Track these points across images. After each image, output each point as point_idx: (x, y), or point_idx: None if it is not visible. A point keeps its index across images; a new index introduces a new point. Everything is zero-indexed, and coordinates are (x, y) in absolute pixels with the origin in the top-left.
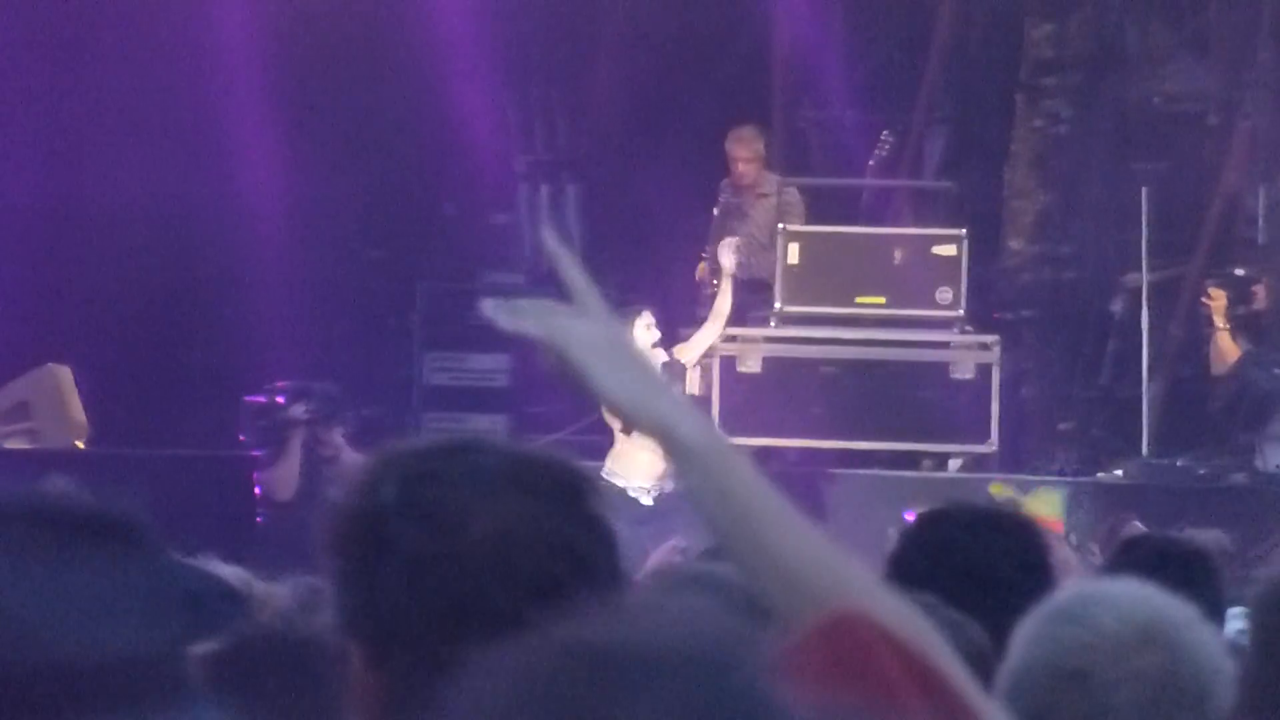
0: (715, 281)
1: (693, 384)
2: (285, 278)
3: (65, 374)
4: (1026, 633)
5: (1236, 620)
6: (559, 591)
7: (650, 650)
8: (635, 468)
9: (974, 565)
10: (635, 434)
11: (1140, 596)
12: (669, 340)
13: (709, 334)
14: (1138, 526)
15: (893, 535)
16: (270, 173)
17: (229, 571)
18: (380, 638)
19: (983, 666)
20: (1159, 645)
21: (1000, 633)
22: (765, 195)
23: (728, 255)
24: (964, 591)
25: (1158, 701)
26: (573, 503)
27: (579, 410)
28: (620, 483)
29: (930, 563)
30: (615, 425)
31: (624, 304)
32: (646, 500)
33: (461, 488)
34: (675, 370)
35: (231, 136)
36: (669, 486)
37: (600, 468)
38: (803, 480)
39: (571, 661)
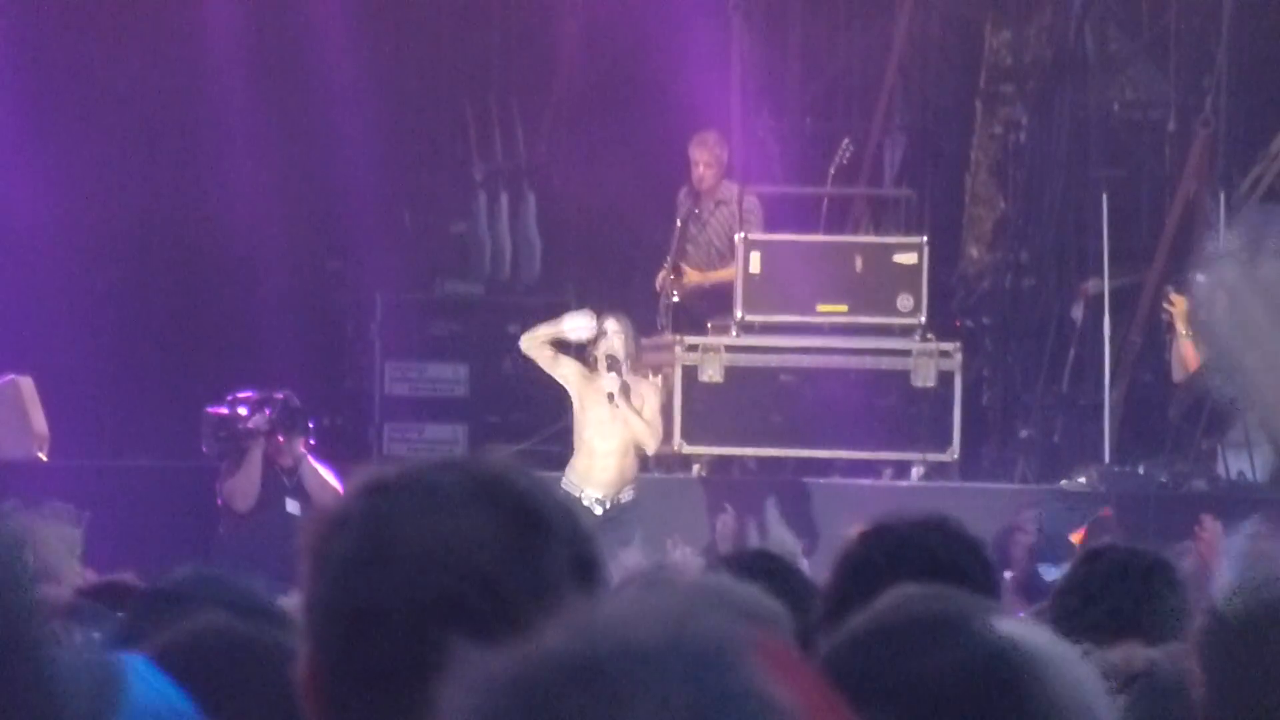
0: (675, 292)
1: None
2: (245, 289)
3: (27, 385)
4: None
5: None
6: (463, 613)
7: (643, 653)
8: (591, 478)
9: (932, 560)
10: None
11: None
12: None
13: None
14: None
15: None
16: (229, 186)
17: None
18: (309, 641)
19: None
20: None
21: None
22: (724, 203)
23: None
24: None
25: None
26: (517, 535)
27: (537, 420)
28: (575, 493)
29: (888, 559)
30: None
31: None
32: (598, 510)
33: (403, 501)
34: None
35: (190, 150)
36: (626, 497)
37: (559, 478)
38: (763, 489)
39: (564, 672)
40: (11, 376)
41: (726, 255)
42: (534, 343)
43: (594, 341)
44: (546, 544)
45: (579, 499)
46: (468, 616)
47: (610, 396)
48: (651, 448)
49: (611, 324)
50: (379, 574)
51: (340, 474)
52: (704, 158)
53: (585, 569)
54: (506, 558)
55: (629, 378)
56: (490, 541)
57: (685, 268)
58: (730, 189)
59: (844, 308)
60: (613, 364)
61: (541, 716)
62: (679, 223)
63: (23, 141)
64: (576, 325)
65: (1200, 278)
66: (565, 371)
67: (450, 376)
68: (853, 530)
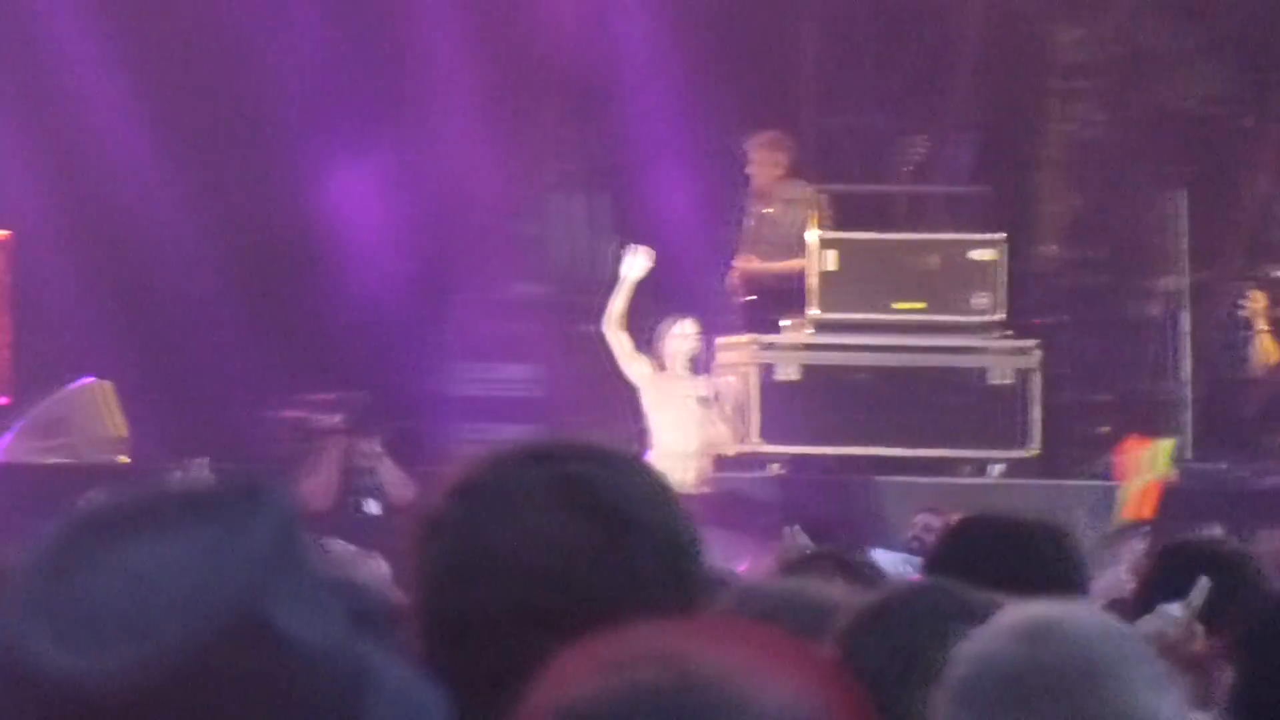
0: (748, 291)
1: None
2: (320, 292)
3: (106, 388)
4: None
5: None
6: (557, 618)
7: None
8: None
9: (1005, 570)
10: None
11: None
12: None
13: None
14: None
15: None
16: (305, 188)
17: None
18: (420, 646)
19: None
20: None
21: None
22: (793, 202)
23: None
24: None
25: None
26: (604, 536)
27: (610, 421)
28: None
29: (963, 566)
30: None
31: (659, 315)
32: None
33: (492, 506)
34: (718, 393)
35: (274, 153)
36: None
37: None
38: (841, 487)
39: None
40: (90, 380)
41: (796, 254)
42: (614, 323)
43: (663, 344)
44: (635, 541)
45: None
46: (561, 622)
47: (705, 400)
48: (733, 449)
49: (689, 325)
50: (472, 583)
51: (413, 476)
52: (754, 157)
53: (677, 559)
54: (595, 560)
55: (712, 377)
56: (578, 545)
57: (747, 256)
58: (801, 187)
59: (921, 305)
60: (696, 365)
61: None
62: (750, 222)
63: (101, 143)
64: (633, 266)
65: None
66: (639, 371)
67: (523, 377)
68: (942, 522)
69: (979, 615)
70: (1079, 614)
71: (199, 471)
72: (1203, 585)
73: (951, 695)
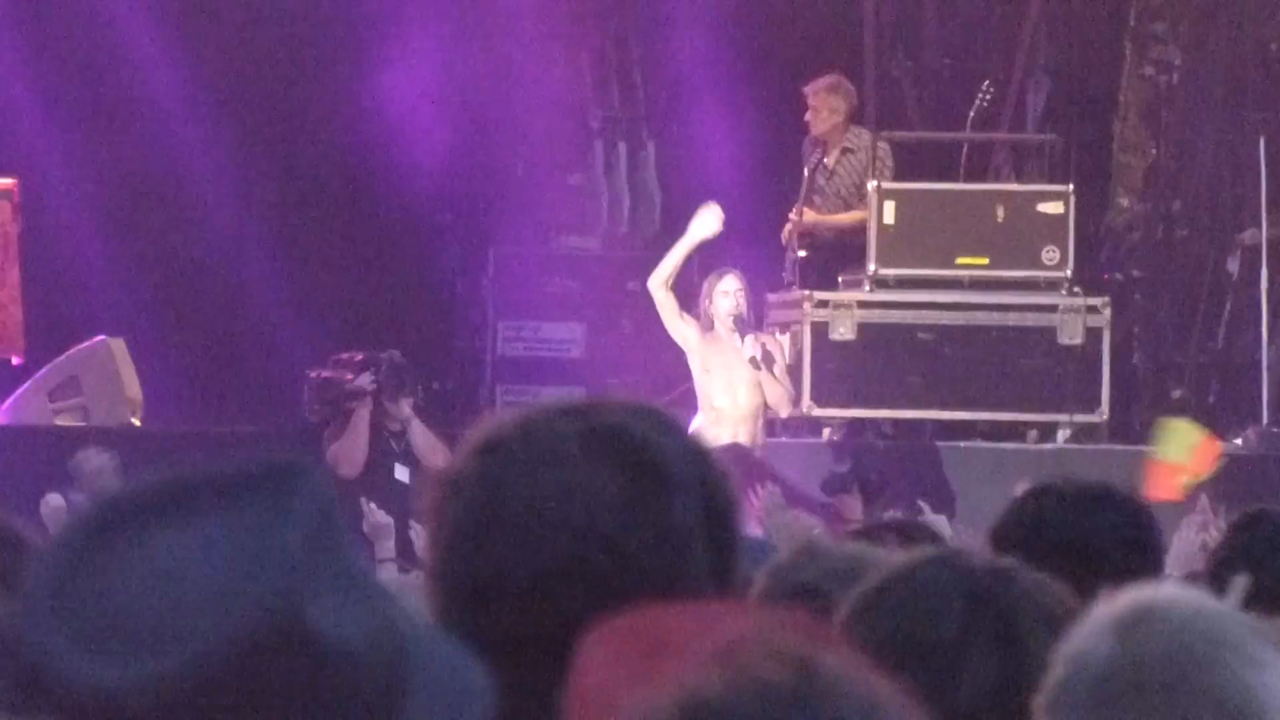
0: (802, 245)
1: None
2: (352, 245)
3: (119, 347)
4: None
5: None
6: (587, 575)
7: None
8: (714, 440)
9: (1075, 540)
10: None
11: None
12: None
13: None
14: None
15: None
16: (335, 138)
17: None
18: (434, 611)
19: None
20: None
21: None
22: (852, 151)
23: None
24: (1064, 567)
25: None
26: (638, 490)
27: (658, 382)
28: None
29: (1031, 536)
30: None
31: (708, 267)
32: None
33: (516, 459)
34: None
35: (306, 98)
36: None
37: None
38: (902, 454)
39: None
40: (103, 337)
41: (855, 206)
42: (663, 280)
43: (708, 301)
44: (671, 496)
45: (711, 441)
46: (591, 579)
47: (754, 361)
48: (786, 410)
49: (732, 280)
50: (495, 539)
51: (450, 439)
52: (812, 103)
53: (714, 518)
54: (628, 514)
55: (760, 336)
56: (610, 498)
57: (806, 210)
58: (860, 135)
59: (985, 260)
60: (741, 324)
61: None
62: (806, 172)
63: (115, 101)
64: (705, 224)
65: None
66: (686, 333)
67: (566, 336)
68: (1016, 490)
69: (984, 591)
70: (1171, 599)
71: (94, 456)
72: (1239, 584)
73: (1050, 699)
